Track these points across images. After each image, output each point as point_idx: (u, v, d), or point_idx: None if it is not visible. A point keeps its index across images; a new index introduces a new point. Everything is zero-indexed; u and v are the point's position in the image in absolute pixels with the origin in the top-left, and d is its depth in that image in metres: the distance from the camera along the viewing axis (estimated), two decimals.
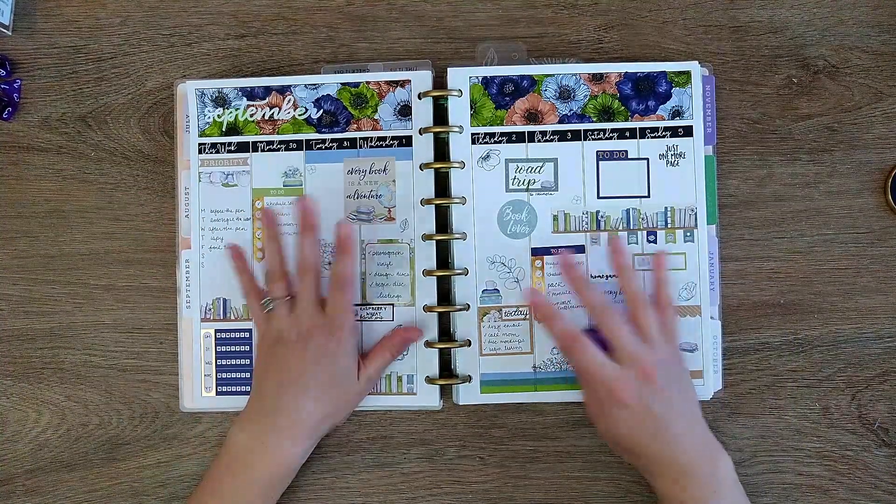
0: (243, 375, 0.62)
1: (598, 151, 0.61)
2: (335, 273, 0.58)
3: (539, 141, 0.61)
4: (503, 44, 0.64)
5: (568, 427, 0.62)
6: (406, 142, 0.62)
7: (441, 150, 0.62)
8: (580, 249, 0.61)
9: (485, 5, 0.65)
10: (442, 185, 0.62)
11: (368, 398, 0.61)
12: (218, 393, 0.62)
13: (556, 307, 0.59)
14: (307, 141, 0.62)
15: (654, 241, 0.61)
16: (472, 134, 0.61)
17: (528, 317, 0.61)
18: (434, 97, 0.61)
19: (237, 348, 0.62)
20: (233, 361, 0.62)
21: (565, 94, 0.61)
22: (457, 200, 0.61)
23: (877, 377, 0.62)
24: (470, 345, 0.61)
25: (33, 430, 0.63)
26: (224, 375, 0.62)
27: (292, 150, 0.62)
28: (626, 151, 0.61)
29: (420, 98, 0.61)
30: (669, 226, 0.61)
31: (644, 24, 0.64)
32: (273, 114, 0.62)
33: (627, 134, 0.61)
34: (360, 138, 0.62)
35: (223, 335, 0.62)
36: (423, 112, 0.61)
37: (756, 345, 0.62)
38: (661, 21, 0.64)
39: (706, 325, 0.61)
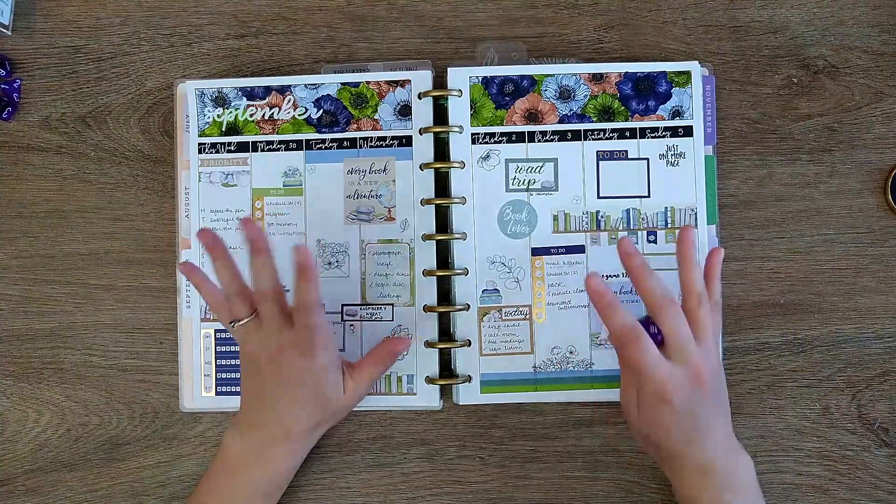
0: None
1: (598, 151, 0.61)
2: (297, 301, 0.54)
3: (539, 141, 0.61)
4: (503, 44, 0.64)
5: (568, 427, 0.62)
6: (406, 142, 0.62)
7: (441, 150, 0.62)
8: (580, 249, 0.61)
9: (485, 5, 0.65)
10: (442, 185, 0.62)
11: (368, 398, 0.61)
12: (218, 393, 0.62)
13: (615, 297, 0.53)
14: (307, 141, 0.62)
15: (654, 241, 0.61)
16: (472, 134, 0.61)
17: (528, 317, 0.61)
18: (434, 97, 0.61)
19: (237, 348, 0.62)
20: (233, 361, 0.62)
21: (565, 94, 0.61)
22: (457, 200, 0.61)
23: (877, 377, 0.62)
24: (470, 345, 0.61)
25: (33, 430, 0.63)
26: (224, 375, 0.62)
27: (292, 150, 0.62)
28: (626, 151, 0.61)
29: (420, 98, 0.61)
30: (669, 226, 0.61)
31: (644, 24, 0.64)
32: (273, 114, 0.62)
33: (627, 134, 0.61)
34: (360, 138, 0.62)
35: (223, 335, 0.62)
36: (423, 112, 0.61)
37: (756, 345, 0.62)
38: (661, 21, 0.64)
39: None
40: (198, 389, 0.62)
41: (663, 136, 0.61)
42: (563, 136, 0.61)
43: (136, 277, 0.64)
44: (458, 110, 0.61)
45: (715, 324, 0.56)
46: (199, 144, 0.62)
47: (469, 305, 0.61)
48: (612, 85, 0.61)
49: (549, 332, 0.61)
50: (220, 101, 0.62)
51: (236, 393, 0.62)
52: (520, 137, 0.61)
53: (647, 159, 0.61)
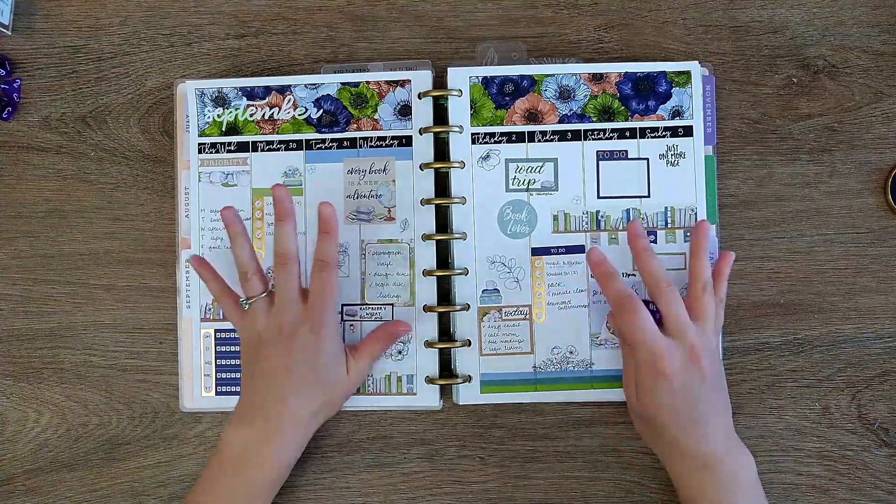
0: None
1: (598, 151, 0.61)
2: (316, 257, 0.56)
3: (539, 141, 0.61)
4: (503, 44, 0.64)
5: (568, 427, 0.62)
6: (406, 142, 0.62)
7: (441, 149, 0.62)
8: (580, 249, 0.61)
9: (485, 5, 0.65)
10: (442, 185, 0.62)
11: (368, 398, 0.61)
12: (218, 393, 0.62)
13: (616, 269, 0.57)
14: (307, 141, 0.62)
15: (655, 241, 0.61)
16: (472, 134, 0.61)
17: (528, 317, 0.61)
18: (434, 97, 0.61)
19: (237, 348, 0.62)
20: (232, 361, 0.62)
21: (565, 94, 0.61)
22: (457, 200, 0.61)
23: (877, 377, 0.62)
24: (470, 345, 0.61)
25: (33, 430, 0.63)
26: (224, 375, 0.62)
27: (292, 149, 0.62)
28: (626, 151, 0.61)
29: (420, 98, 0.61)
30: (669, 226, 0.61)
31: (644, 24, 0.64)
32: (273, 114, 0.62)
33: (627, 134, 0.61)
34: (360, 138, 0.62)
35: (223, 335, 0.62)
36: (423, 112, 0.61)
37: (756, 345, 0.62)
38: (661, 21, 0.64)
39: None
40: (198, 389, 0.62)
41: (663, 136, 0.61)
42: (563, 136, 0.61)
43: (136, 277, 0.64)
44: (458, 110, 0.61)
45: (718, 317, 0.58)
46: (199, 144, 0.62)
47: (469, 305, 0.61)
48: (612, 85, 0.61)
49: (549, 332, 0.61)
50: (220, 101, 0.62)
51: (236, 393, 0.62)
52: (520, 137, 0.61)
53: (647, 159, 0.61)
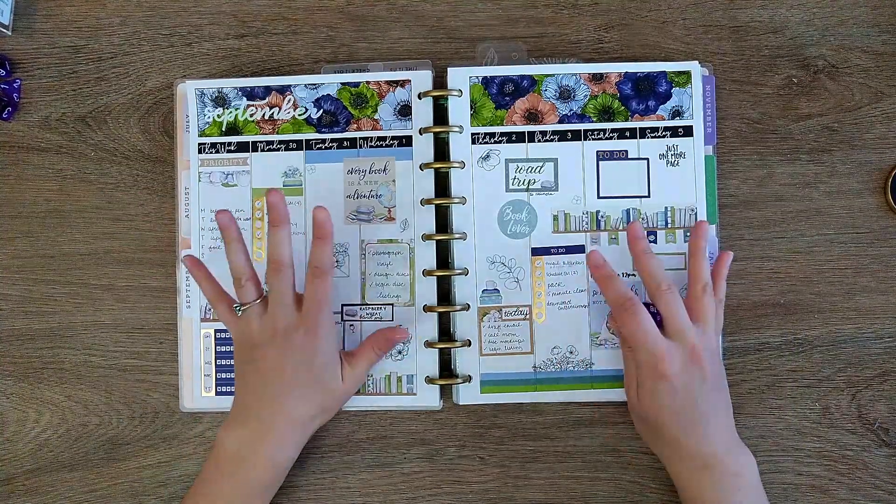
0: None
1: (598, 151, 0.61)
2: (311, 263, 0.56)
3: (539, 141, 0.61)
4: (503, 44, 0.64)
5: (568, 427, 0.62)
6: (406, 142, 0.62)
7: (441, 150, 0.62)
8: (580, 249, 0.61)
9: (485, 5, 0.65)
10: (442, 185, 0.62)
11: (368, 398, 0.61)
12: (218, 393, 0.62)
13: (615, 272, 0.57)
14: (307, 141, 0.62)
15: (654, 241, 0.61)
16: (472, 134, 0.61)
17: (528, 317, 0.61)
18: (434, 97, 0.61)
19: None
20: (232, 361, 0.62)
21: (565, 94, 0.61)
22: (457, 200, 0.61)
23: (877, 377, 0.62)
24: (470, 345, 0.61)
25: (33, 430, 0.63)
26: (224, 375, 0.62)
27: (292, 149, 0.62)
28: (626, 151, 0.61)
29: (420, 98, 0.61)
30: (669, 226, 0.61)
31: (644, 24, 0.64)
32: (273, 114, 0.62)
33: (627, 134, 0.61)
34: (360, 138, 0.62)
35: (223, 335, 0.62)
36: (423, 112, 0.61)
37: (756, 345, 0.62)
38: (661, 21, 0.64)
39: None
40: (198, 389, 0.62)
41: (663, 136, 0.61)
42: (563, 136, 0.61)
43: (136, 277, 0.64)
44: (458, 110, 0.61)
45: (717, 317, 0.58)
46: (199, 144, 0.62)
47: (469, 305, 0.61)
48: (612, 85, 0.61)
49: (549, 332, 0.61)
50: (220, 101, 0.62)
51: None
52: (520, 137, 0.61)
53: (647, 159, 0.61)
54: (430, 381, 0.61)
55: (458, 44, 0.64)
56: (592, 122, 0.61)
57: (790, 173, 0.63)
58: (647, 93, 0.61)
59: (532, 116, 0.61)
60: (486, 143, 0.61)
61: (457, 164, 0.61)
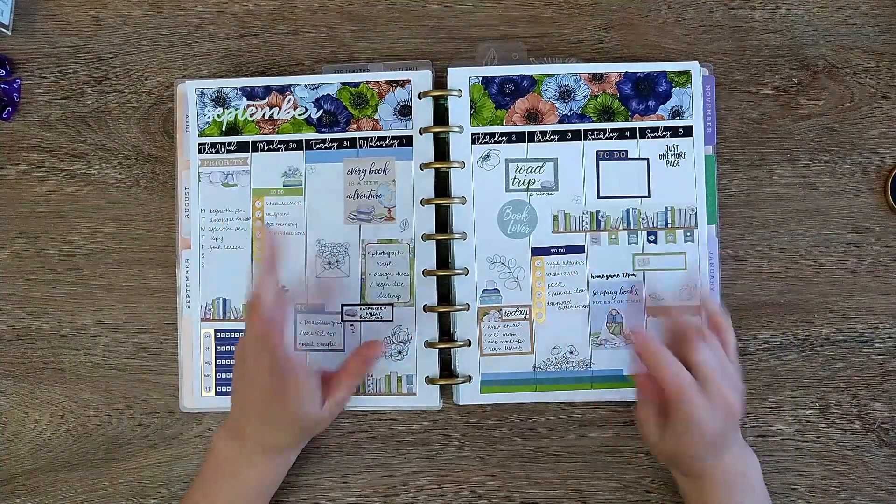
0: None
1: (598, 151, 0.61)
2: (255, 284, 0.54)
3: (539, 141, 0.61)
4: (503, 44, 0.64)
5: (568, 427, 0.62)
6: (406, 142, 0.62)
7: (441, 149, 0.62)
8: (580, 249, 0.61)
9: (485, 5, 0.65)
10: (442, 185, 0.62)
11: (368, 398, 0.61)
12: (217, 393, 0.62)
13: (665, 349, 0.53)
14: (307, 141, 0.62)
15: (654, 241, 0.61)
16: (472, 134, 0.61)
17: (528, 317, 0.61)
18: (434, 97, 0.61)
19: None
20: (232, 361, 0.62)
21: (565, 94, 0.61)
22: (457, 200, 0.61)
23: (877, 377, 0.62)
24: (470, 345, 0.61)
25: (33, 430, 0.63)
26: (224, 375, 0.62)
27: (292, 149, 0.62)
28: (626, 151, 0.61)
29: (420, 98, 0.61)
30: (669, 226, 0.61)
31: (644, 24, 0.64)
32: (273, 114, 0.62)
33: (627, 134, 0.61)
34: (360, 138, 0.62)
35: (223, 335, 0.62)
36: (423, 112, 0.61)
37: (756, 345, 0.62)
38: (661, 21, 0.64)
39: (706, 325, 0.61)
40: (198, 389, 0.62)
41: (663, 136, 0.61)
42: (563, 136, 0.61)
43: (136, 277, 0.64)
44: (458, 110, 0.61)
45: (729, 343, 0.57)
46: (199, 144, 0.62)
47: (469, 305, 0.61)
48: (612, 85, 0.61)
49: (549, 332, 0.61)
50: (220, 101, 0.62)
51: None
52: (520, 137, 0.61)
53: (647, 159, 0.61)
54: (430, 381, 0.61)
55: (458, 44, 0.64)
56: (592, 122, 0.61)
57: (790, 173, 0.63)
58: (647, 93, 0.61)
59: (532, 116, 0.61)
60: (486, 143, 0.61)
61: (457, 164, 0.61)
